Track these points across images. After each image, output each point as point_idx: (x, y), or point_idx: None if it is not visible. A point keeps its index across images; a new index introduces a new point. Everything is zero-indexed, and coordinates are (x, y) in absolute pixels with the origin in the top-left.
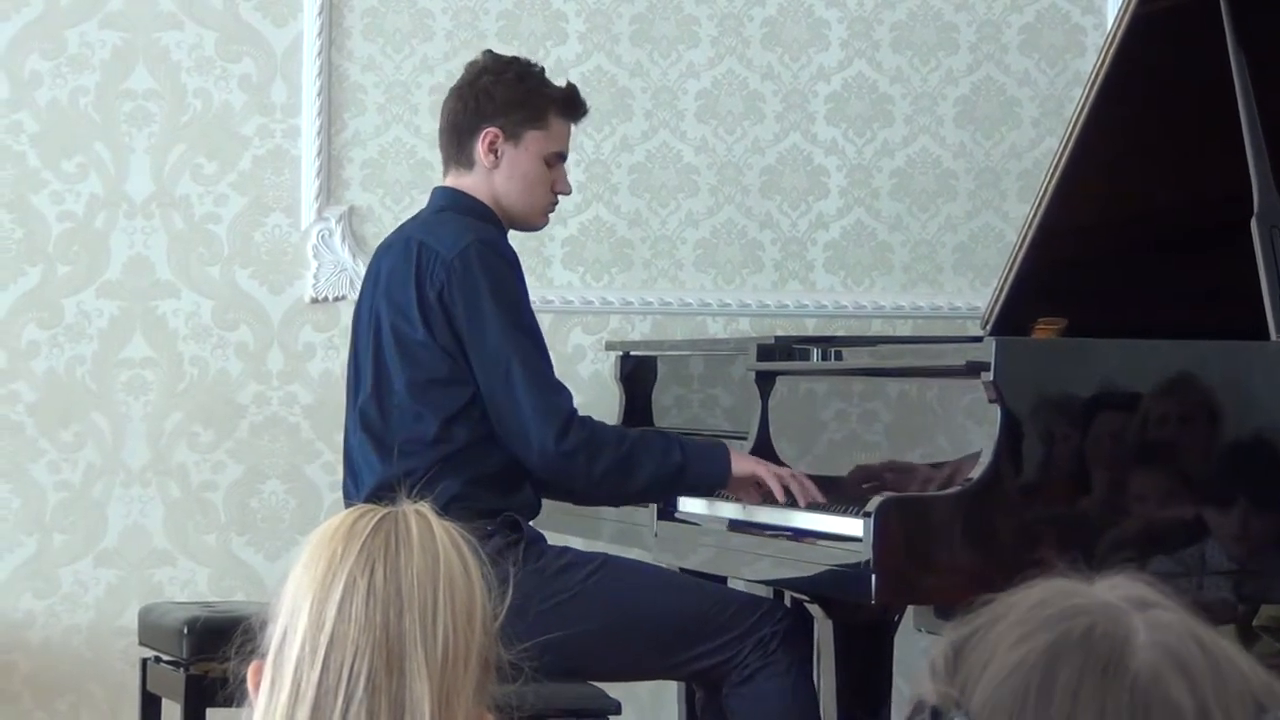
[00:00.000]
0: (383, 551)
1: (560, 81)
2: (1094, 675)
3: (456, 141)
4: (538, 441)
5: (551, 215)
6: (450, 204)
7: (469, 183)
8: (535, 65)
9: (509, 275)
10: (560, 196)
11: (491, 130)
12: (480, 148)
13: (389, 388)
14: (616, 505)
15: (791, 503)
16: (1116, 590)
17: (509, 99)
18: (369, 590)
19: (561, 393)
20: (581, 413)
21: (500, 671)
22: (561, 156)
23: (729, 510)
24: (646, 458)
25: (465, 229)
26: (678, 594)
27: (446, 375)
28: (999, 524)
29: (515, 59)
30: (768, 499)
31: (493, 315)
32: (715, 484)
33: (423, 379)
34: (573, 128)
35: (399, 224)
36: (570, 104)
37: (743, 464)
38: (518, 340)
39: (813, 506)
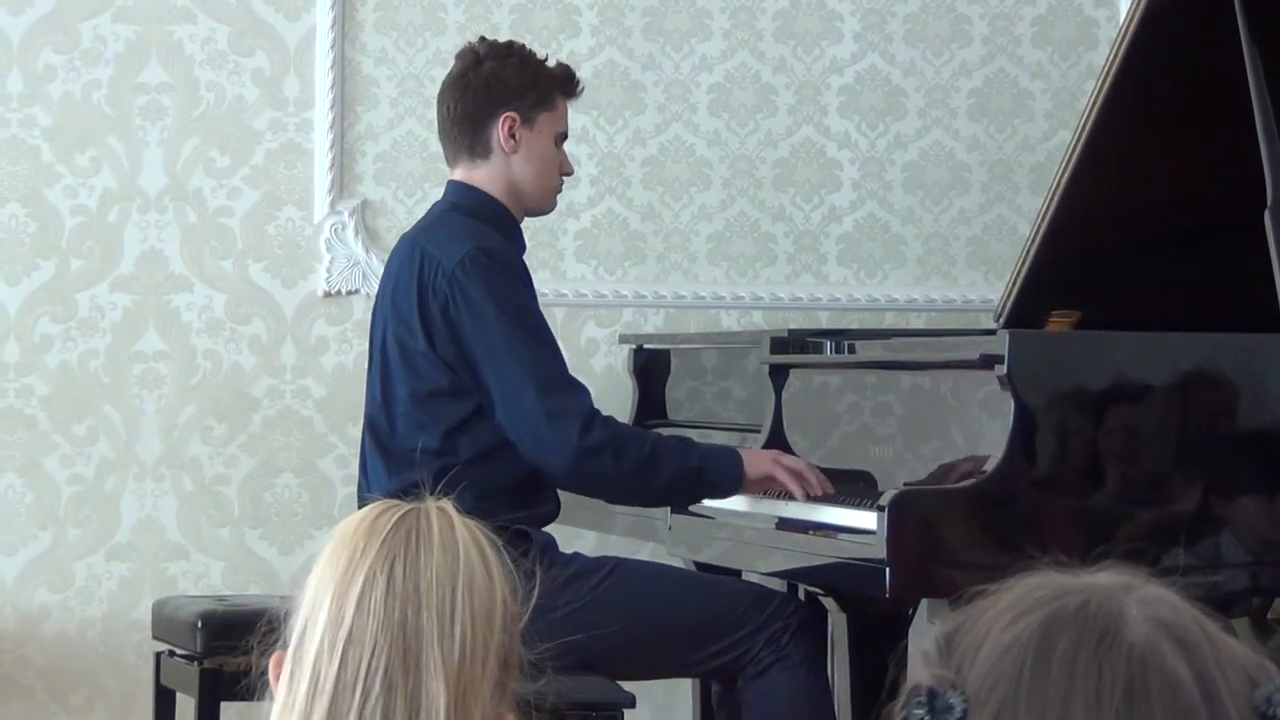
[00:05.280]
0: (403, 548)
1: (551, 62)
2: (1090, 647)
3: (470, 131)
4: (558, 444)
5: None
6: (460, 201)
7: (482, 174)
8: (528, 47)
9: (511, 280)
10: (564, 179)
11: (510, 115)
12: (500, 134)
13: (393, 396)
14: (641, 504)
15: (808, 498)
16: (1103, 576)
17: (521, 82)
18: (388, 586)
19: (579, 392)
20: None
21: (520, 671)
22: (564, 136)
23: (742, 504)
24: (667, 459)
25: (466, 235)
26: (689, 593)
27: (448, 387)
28: (1013, 517)
29: (510, 42)
30: (784, 496)
31: (496, 323)
32: (731, 488)
33: (424, 390)
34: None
35: (411, 217)
36: (570, 82)
37: (756, 466)
38: (525, 345)
39: (822, 498)
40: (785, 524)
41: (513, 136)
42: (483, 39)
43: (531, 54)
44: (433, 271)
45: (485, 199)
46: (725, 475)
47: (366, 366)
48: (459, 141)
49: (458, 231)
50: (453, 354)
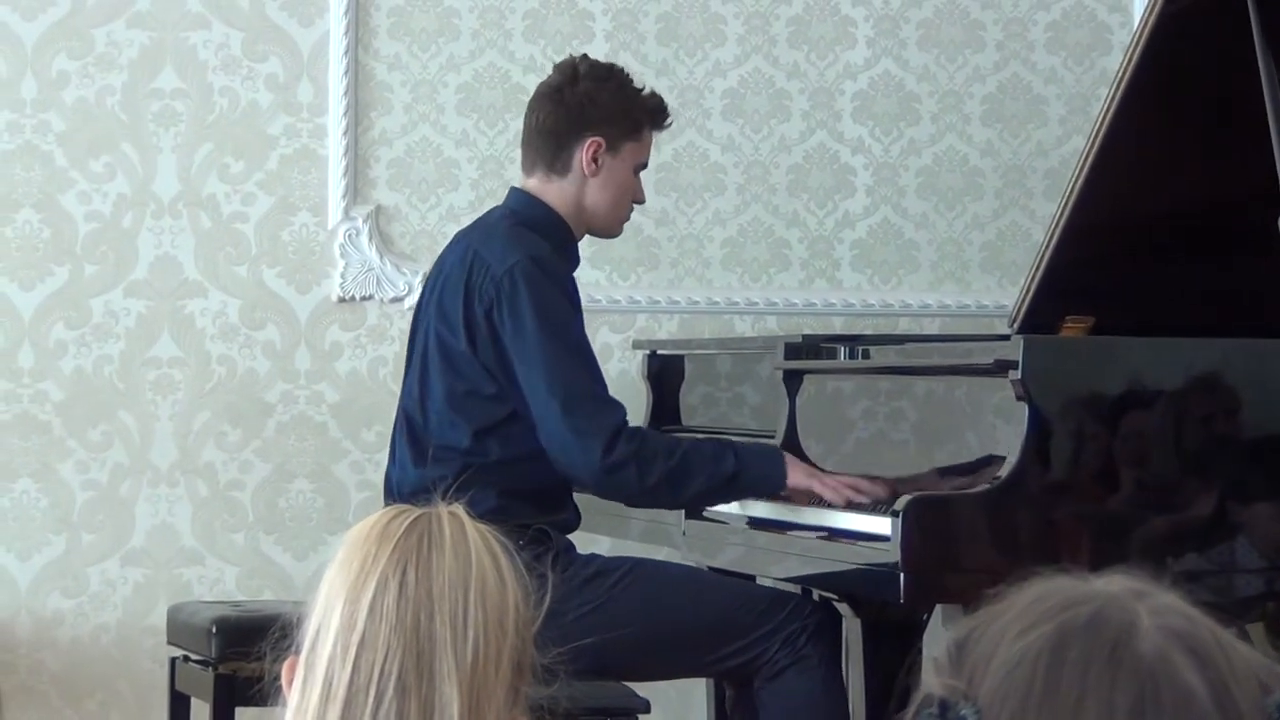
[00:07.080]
0: (415, 553)
1: (646, 91)
2: (1101, 657)
3: (554, 146)
4: (583, 460)
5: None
6: (520, 209)
7: (554, 190)
8: (627, 72)
9: (555, 293)
10: (635, 206)
11: (596, 139)
12: (583, 157)
13: (430, 393)
14: (670, 509)
15: (853, 506)
16: (1114, 583)
17: (614, 109)
18: (400, 591)
19: (611, 409)
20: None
21: (534, 675)
22: (644, 166)
23: (757, 509)
24: (699, 467)
25: (518, 243)
26: (706, 594)
27: (486, 390)
28: (1028, 522)
29: (611, 66)
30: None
31: (536, 334)
32: (769, 492)
33: (462, 390)
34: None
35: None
36: (660, 114)
37: (797, 476)
38: (562, 359)
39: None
40: (800, 529)
41: (595, 160)
42: (584, 56)
43: (630, 81)
44: (481, 275)
45: (546, 212)
46: (765, 477)
47: (405, 362)
48: (540, 153)
49: (511, 239)
50: (493, 359)
